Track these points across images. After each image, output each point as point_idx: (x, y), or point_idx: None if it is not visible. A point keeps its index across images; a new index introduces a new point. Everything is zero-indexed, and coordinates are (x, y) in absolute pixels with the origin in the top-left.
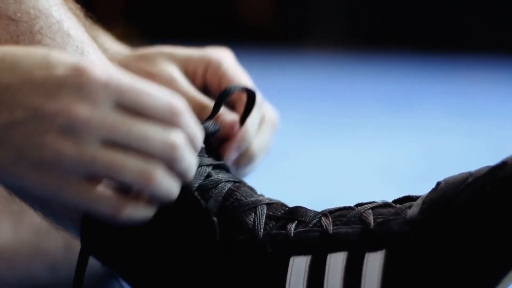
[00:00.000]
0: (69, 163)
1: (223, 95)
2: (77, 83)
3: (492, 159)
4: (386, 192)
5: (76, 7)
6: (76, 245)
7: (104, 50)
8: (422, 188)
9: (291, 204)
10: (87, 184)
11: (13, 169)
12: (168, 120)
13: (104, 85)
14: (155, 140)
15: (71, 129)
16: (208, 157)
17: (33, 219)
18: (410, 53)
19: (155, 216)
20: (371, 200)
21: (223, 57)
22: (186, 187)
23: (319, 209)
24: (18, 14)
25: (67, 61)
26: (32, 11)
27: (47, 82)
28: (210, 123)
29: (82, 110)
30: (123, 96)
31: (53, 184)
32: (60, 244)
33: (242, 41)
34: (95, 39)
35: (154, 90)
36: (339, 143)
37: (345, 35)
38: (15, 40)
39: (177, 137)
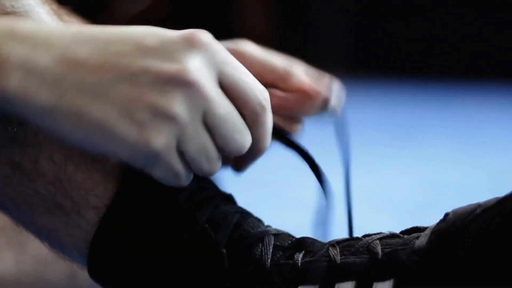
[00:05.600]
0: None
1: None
2: (191, 47)
3: (493, 189)
4: (386, 223)
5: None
6: (81, 274)
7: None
8: (423, 218)
9: (296, 235)
10: None
11: (115, 127)
12: (255, 115)
13: (213, 52)
14: (242, 133)
15: (185, 90)
16: (216, 188)
17: (37, 250)
18: (411, 81)
19: (165, 245)
20: (377, 232)
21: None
22: (196, 218)
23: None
24: None
25: (176, 32)
26: None
27: (161, 47)
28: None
29: (195, 74)
30: (225, 69)
31: (149, 141)
32: (64, 274)
33: None
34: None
35: (250, 79)
36: (338, 172)
37: (346, 62)
38: None
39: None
